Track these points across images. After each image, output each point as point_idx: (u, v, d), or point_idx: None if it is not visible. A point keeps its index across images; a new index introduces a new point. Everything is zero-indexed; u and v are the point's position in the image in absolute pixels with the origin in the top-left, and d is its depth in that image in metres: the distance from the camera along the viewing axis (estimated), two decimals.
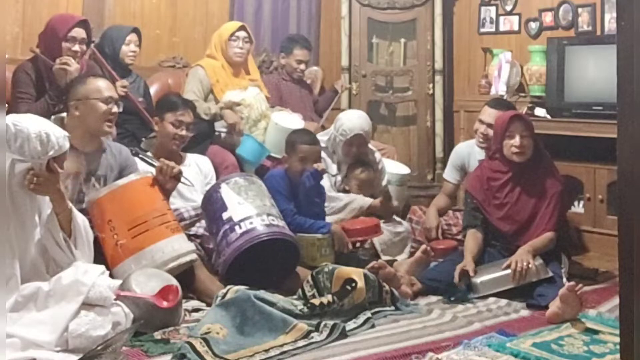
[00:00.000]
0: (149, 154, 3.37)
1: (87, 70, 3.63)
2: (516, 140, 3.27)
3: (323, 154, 3.74)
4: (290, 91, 4.61)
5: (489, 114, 3.73)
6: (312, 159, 3.44)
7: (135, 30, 3.98)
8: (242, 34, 4.27)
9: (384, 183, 3.93)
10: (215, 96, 4.15)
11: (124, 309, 2.46)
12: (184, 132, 3.44)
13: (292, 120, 4.16)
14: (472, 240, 3.34)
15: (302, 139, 3.52)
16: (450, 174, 4.07)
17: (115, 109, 3.05)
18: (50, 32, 3.56)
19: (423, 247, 3.38)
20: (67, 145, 2.48)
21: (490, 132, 3.67)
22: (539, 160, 3.34)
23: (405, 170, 4.29)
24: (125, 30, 3.96)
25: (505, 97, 4.37)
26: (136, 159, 3.25)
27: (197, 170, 3.56)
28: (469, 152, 3.95)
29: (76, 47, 3.55)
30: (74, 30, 3.55)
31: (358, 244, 3.49)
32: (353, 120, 3.86)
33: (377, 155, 4.01)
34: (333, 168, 3.85)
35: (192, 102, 3.75)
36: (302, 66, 4.65)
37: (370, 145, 4.02)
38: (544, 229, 3.25)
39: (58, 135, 2.46)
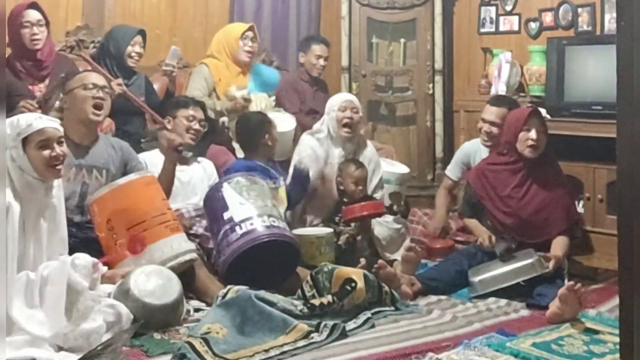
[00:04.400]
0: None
1: (57, 62, 3.65)
2: (532, 133, 3.28)
3: (320, 152, 3.77)
4: (304, 92, 4.60)
5: (491, 112, 3.80)
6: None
7: (141, 32, 3.96)
8: (250, 33, 4.31)
9: (377, 179, 3.92)
10: (217, 95, 4.17)
11: (123, 308, 2.47)
12: (197, 126, 3.56)
13: (283, 122, 4.17)
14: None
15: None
16: (452, 171, 4.09)
17: (100, 94, 3.06)
18: (9, 24, 3.49)
19: (407, 244, 3.38)
20: (40, 125, 2.49)
21: (494, 129, 3.72)
22: (548, 158, 3.35)
23: (404, 169, 4.28)
24: (131, 32, 3.92)
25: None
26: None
27: (202, 171, 3.59)
28: (475, 149, 3.97)
29: (35, 30, 3.51)
30: (25, 14, 3.51)
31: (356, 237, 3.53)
32: (341, 94, 4.05)
33: (372, 149, 4.00)
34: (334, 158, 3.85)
35: (202, 101, 3.81)
36: (322, 61, 4.63)
37: (365, 139, 4.02)
38: (559, 229, 3.26)
39: (29, 117, 2.51)
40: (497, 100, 3.93)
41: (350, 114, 3.82)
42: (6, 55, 3.59)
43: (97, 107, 3.07)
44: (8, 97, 3.39)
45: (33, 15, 3.54)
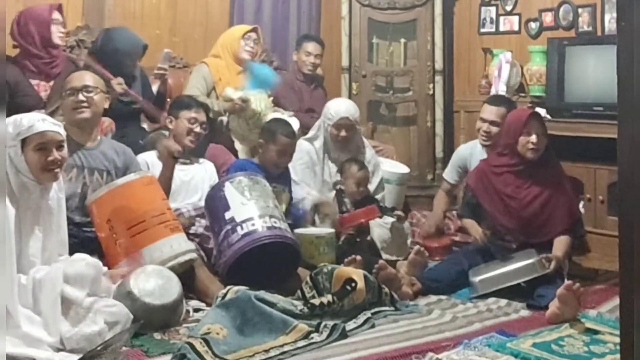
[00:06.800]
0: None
1: (65, 66, 3.68)
2: (533, 137, 3.28)
3: (313, 156, 3.76)
4: (301, 92, 4.59)
5: (491, 111, 3.81)
6: (289, 153, 3.51)
7: (145, 47, 3.91)
8: (253, 35, 4.31)
9: (378, 180, 3.92)
10: (217, 94, 4.16)
11: (123, 308, 2.47)
12: (198, 129, 3.52)
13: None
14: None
15: (283, 130, 3.53)
16: (449, 174, 4.11)
17: (80, 97, 3.02)
18: (35, 21, 3.60)
19: (416, 248, 3.38)
20: (42, 128, 2.47)
21: (494, 129, 3.72)
22: (549, 158, 3.36)
23: (404, 169, 4.28)
24: (137, 47, 3.86)
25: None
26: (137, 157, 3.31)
27: (203, 171, 3.59)
28: (470, 152, 3.98)
29: (61, 29, 3.67)
30: (55, 13, 3.66)
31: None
32: (339, 104, 3.94)
33: (371, 151, 4.00)
34: (325, 173, 3.83)
35: (206, 104, 3.80)
36: (312, 58, 4.62)
37: (364, 140, 4.02)
38: (561, 228, 3.27)
39: (31, 118, 2.48)
40: (496, 100, 3.96)
41: (345, 133, 3.81)
42: (13, 55, 3.65)
43: (78, 108, 3.03)
44: (14, 97, 3.44)
45: (59, 15, 3.70)
